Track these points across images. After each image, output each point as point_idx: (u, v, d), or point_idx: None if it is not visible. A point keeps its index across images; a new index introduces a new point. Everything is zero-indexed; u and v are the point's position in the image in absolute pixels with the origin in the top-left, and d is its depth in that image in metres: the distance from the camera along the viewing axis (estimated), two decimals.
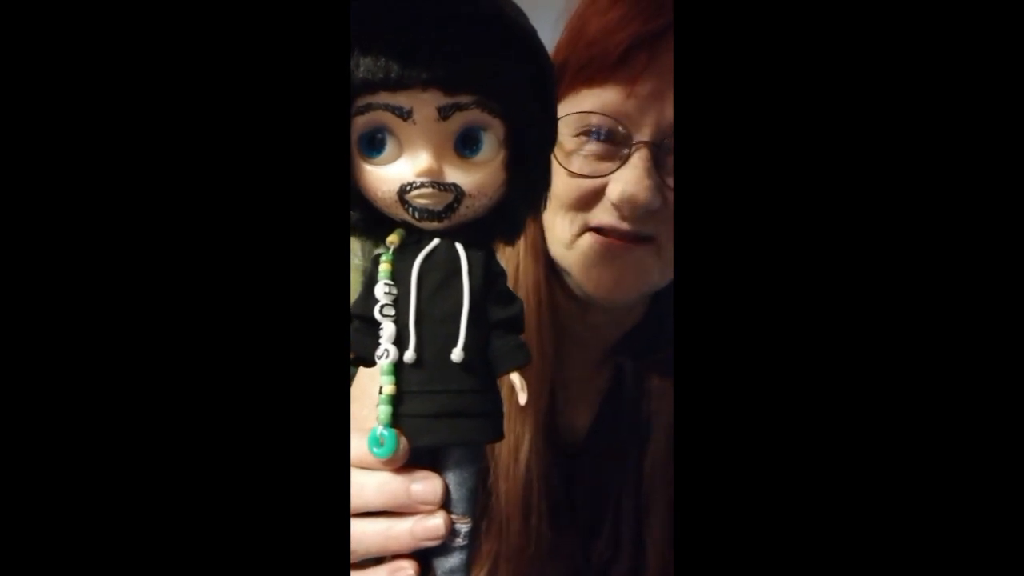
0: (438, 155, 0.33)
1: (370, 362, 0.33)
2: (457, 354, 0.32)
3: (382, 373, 0.33)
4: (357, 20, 0.31)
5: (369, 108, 0.32)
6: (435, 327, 0.33)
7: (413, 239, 0.35)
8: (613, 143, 0.47)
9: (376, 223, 0.35)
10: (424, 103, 0.32)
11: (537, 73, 0.33)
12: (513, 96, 0.33)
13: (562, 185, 0.48)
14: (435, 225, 0.34)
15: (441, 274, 0.34)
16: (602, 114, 0.47)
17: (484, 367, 0.34)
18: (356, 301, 0.35)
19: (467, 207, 0.34)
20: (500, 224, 0.36)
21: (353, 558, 0.33)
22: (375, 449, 0.32)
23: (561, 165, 0.48)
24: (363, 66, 0.31)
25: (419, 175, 0.32)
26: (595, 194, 0.48)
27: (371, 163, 0.33)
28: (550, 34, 0.48)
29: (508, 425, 0.45)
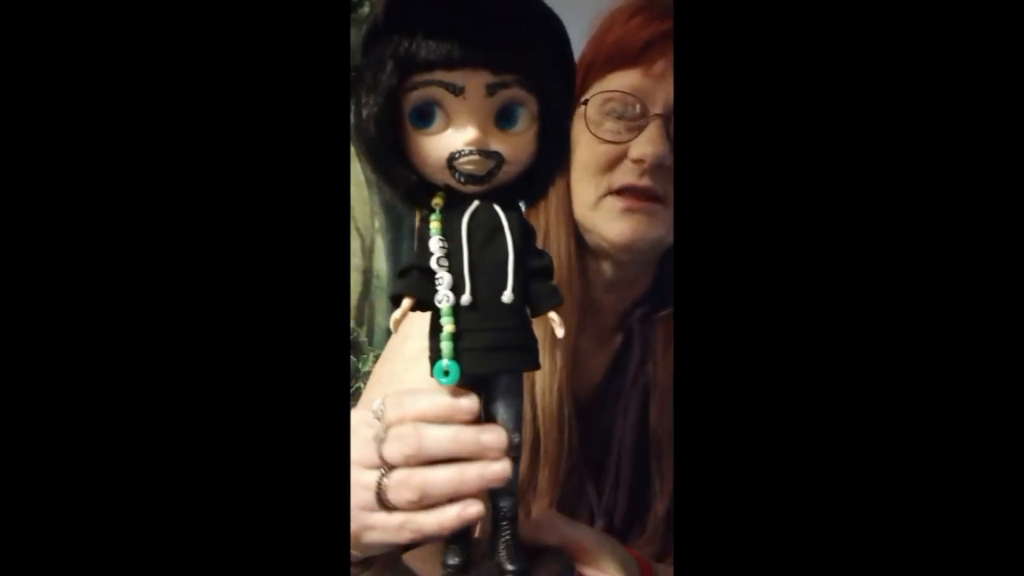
0: (482, 127, 0.38)
1: (429, 306, 0.38)
2: (508, 296, 0.38)
3: (443, 315, 0.38)
4: (412, 7, 0.36)
5: (424, 84, 0.37)
6: (485, 275, 0.38)
7: (455, 201, 0.40)
8: (633, 117, 0.58)
9: (418, 188, 0.40)
10: (475, 81, 0.37)
11: (562, 55, 0.39)
12: (546, 75, 0.39)
13: (590, 154, 0.59)
14: (475, 188, 0.39)
15: (485, 231, 0.39)
16: (625, 92, 0.58)
17: (523, 308, 0.40)
18: (412, 255, 0.40)
19: (504, 173, 0.39)
20: (526, 188, 0.41)
21: (425, 501, 0.38)
22: (442, 379, 0.37)
23: (593, 134, 0.58)
24: (425, 48, 0.36)
25: (468, 144, 0.38)
26: (618, 158, 0.58)
27: (421, 134, 0.38)
28: (579, 32, 0.57)
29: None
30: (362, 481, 0.40)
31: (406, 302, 0.38)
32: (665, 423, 0.63)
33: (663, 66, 0.57)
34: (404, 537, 0.39)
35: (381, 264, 1.62)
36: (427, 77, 0.37)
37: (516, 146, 0.39)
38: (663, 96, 0.57)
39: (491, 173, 0.39)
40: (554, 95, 0.39)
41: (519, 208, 0.41)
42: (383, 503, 0.39)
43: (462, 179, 0.39)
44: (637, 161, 0.57)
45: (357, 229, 1.57)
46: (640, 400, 0.64)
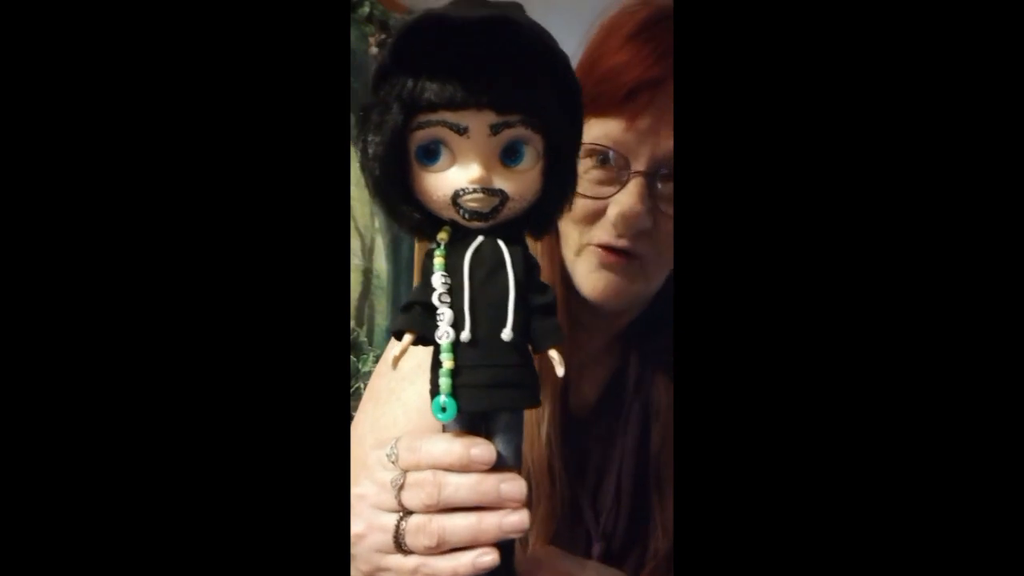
0: (487, 165, 0.38)
1: (430, 341, 0.39)
2: (507, 334, 0.38)
3: (443, 351, 0.38)
4: (417, 49, 0.36)
5: (429, 124, 0.37)
6: (486, 311, 0.39)
7: (459, 236, 0.40)
8: (614, 169, 0.55)
9: (425, 222, 0.40)
10: (479, 121, 0.37)
11: (569, 93, 0.40)
12: (550, 114, 0.39)
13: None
14: (480, 224, 0.40)
15: (488, 267, 0.39)
16: (606, 145, 0.54)
17: (524, 345, 0.40)
18: (415, 290, 0.40)
19: (509, 209, 0.39)
20: (532, 222, 0.42)
21: (442, 548, 0.38)
22: (439, 414, 0.38)
23: None
24: (429, 90, 0.36)
25: (472, 182, 0.38)
26: (597, 213, 0.55)
27: (427, 170, 0.39)
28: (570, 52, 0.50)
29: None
30: (379, 523, 0.40)
31: (407, 338, 0.39)
32: (667, 453, 0.61)
33: (647, 122, 0.53)
34: None
35: (381, 264, 1.62)
36: (432, 117, 0.37)
37: (521, 183, 0.39)
38: (646, 152, 0.54)
39: (495, 210, 0.39)
40: (560, 132, 0.40)
41: (524, 243, 0.41)
42: (400, 547, 0.39)
43: (467, 216, 0.39)
44: (614, 224, 0.55)
45: (357, 229, 1.57)
46: (640, 420, 0.63)
